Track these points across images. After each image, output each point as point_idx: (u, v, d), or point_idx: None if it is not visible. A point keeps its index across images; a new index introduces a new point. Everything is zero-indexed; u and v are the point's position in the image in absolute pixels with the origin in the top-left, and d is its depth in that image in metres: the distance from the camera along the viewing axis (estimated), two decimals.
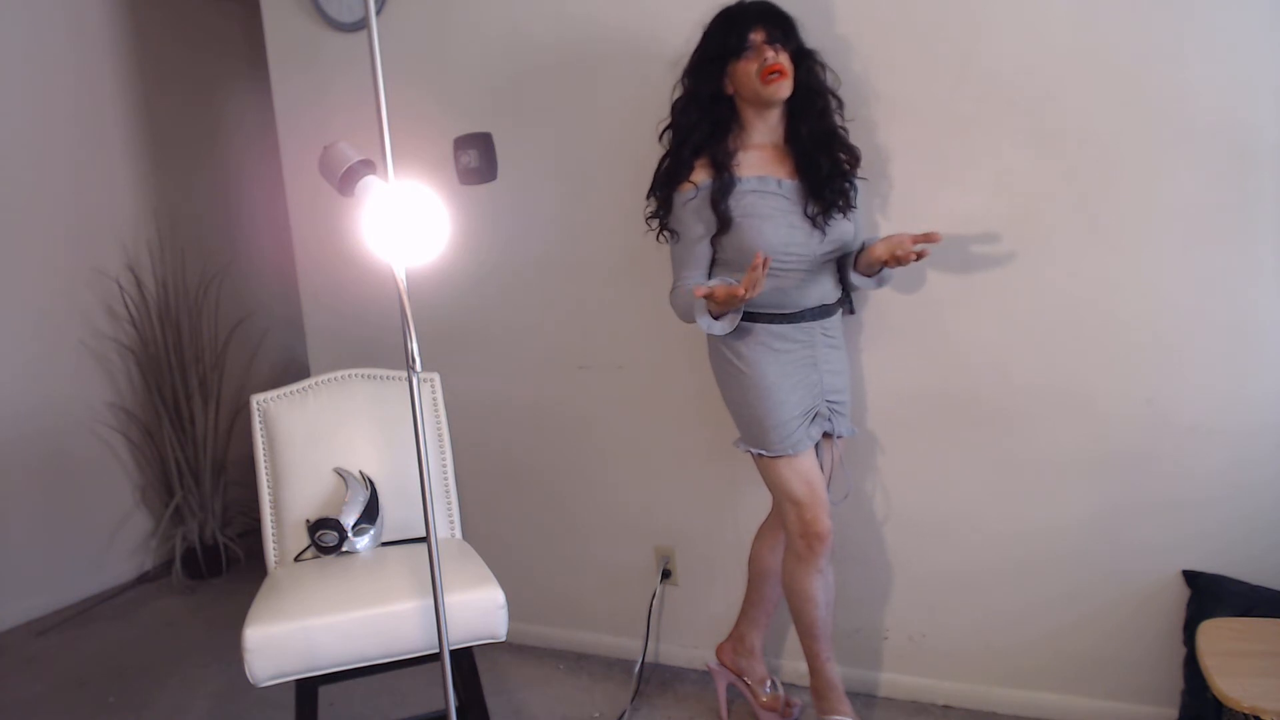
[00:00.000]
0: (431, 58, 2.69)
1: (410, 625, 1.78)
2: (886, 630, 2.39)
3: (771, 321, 2.01)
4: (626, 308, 2.54)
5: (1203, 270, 1.97)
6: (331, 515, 2.05)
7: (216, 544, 3.67)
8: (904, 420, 2.28)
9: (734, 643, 2.36)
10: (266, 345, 4.18)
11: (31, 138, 3.42)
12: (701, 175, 1.99)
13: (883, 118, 2.18)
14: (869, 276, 2.07)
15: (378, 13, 2.48)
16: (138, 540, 3.75)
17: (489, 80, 2.63)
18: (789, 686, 2.44)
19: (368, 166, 1.64)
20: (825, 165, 1.99)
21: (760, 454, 2.04)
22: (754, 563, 2.30)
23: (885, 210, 2.21)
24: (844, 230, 2.02)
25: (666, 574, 2.63)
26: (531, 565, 2.81)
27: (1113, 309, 2.05)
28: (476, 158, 2.65)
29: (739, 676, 2.35)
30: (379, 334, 2.70)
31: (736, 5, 1.99)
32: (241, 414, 3.84)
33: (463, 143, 2.67)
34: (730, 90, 1.99)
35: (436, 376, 2.24)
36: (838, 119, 2.06)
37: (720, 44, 1.96)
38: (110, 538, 3.65)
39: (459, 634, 1.79)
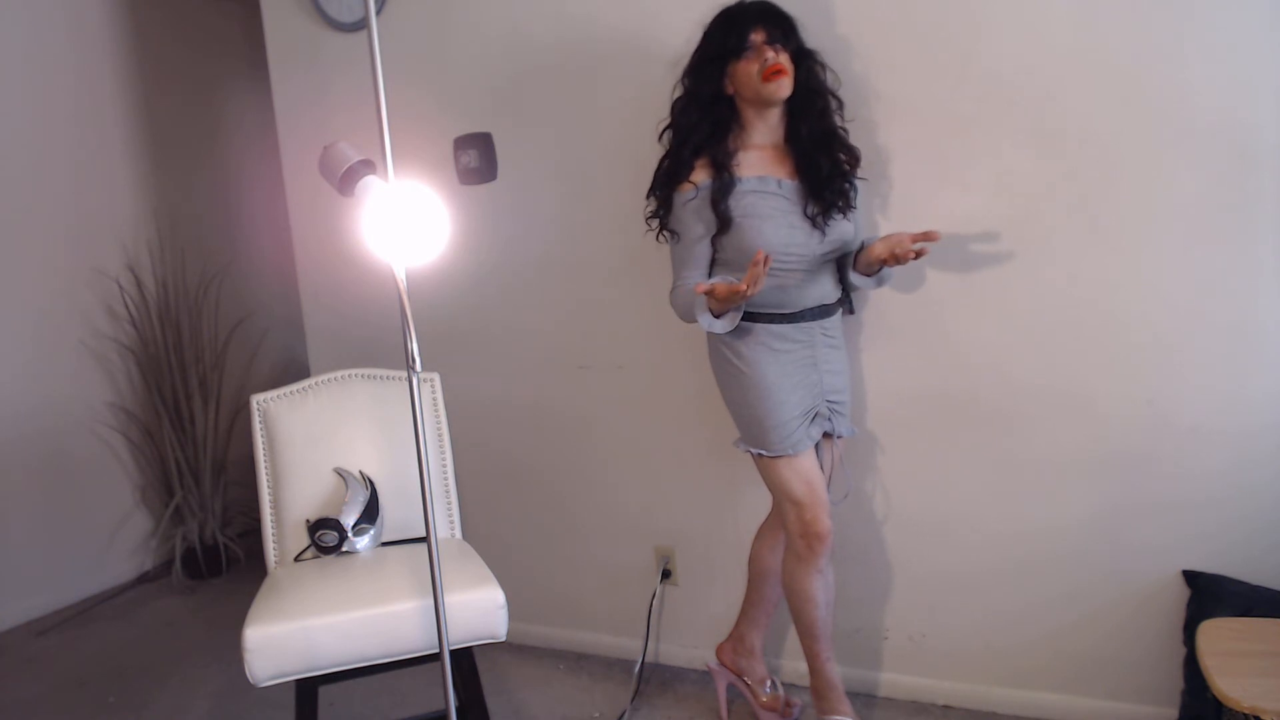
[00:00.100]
0: (431, 58, 2.69)
1: (410, 625, 1.78)
2: (886, 630, 2.39)
3: (771, 321, 2.01)
4: (627, 308, 2.54)
5: (1203, 270, 1.97)
6: (331, 515, 2.05)
7: (216, 544, 3.67)
8: (904, 420, 2.28)
9: (734, 643, 2.36)
10: (266, 345, 4.18)
11: (31, 138, 3.42)
12: (701, 175, 1.99)
13: (883, 118, 2.18)
14: (868, 276, 2.07)
15: (378, 13, 2.48)
16: (138, 540, 3.75)
17: (489, 80, 2.63)
18: (789, 686, 2.44)
19: (368, 166, 1.64)
20: (825, 166, 1.99)
21: (760, 454, 2.04)
22: (754, 563, 2.30)
23: (885, 210, 2.21)
24: (844, 230, 2.02)
25: (666, 574, 2.63)
26: (531, 565, 2.81)
27: (1113, 309, 2.05)
28: (476, 158, 2.65)
29: (739, 676, 2.35)
30: (379, 334, 2.70)
31: (737, 5, 1.99)
32: (241, 414, 3.84)
33: (463, 143, 2.67)
34: (730, 90, 1.99)
35: (436, 376, 2.24)
36: (838, 119, 2.06)
37: (720, 44, 1.96)
38: (110, 538, 3.65)
39: (459, 634, 1.79)
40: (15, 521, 3.35)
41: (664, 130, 2.08)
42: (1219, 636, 1.66)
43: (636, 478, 2.64)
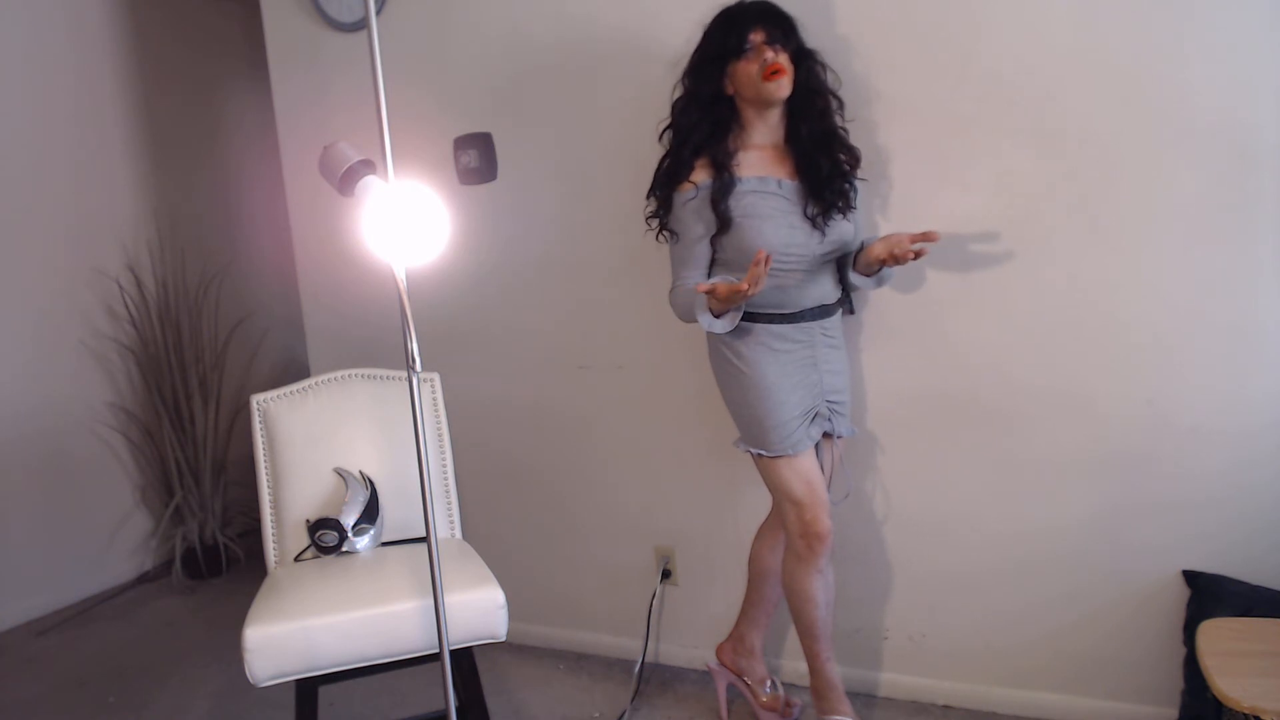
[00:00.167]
0: (431, 58, 2.69)
1: (410, 625, 1.78)
2: (886, 630, 2.39)
3: (771, 321, 2.01)
4: (626, 308, 2.54)
5: (1203, 271, 1.97)
6: (331, 515, 2.05)
7: (216, 544, 3.67)
8: (904, 420, 2.28)
9: (734, 643, 2.36)
10: (266, 345, 4.18)
11: (31, 138, 3.42)
12: (701, 175, 1.99)
13: (883, 118, 2.18)
14: (868, 276, 2.07)
15: (378, 13, 2.48)
16: (138, 540, 3.75)
17: (489, 80, 2.63)
18: (789, 686, 2.44)
19: (368, 166, 1.64)
20: (825, 166, 1.99)
21: (760, 454, 2.04)
22: (754, 563, 2.30)
23: (885, 211, 2.21)
24: (843, 231, 2.02)
25: (666, 574, 2.63)
26: (531, 565, 2.81)
27: (1113, 309, 2.05)
28: (476, 158, 2.65)
29: (739, 676, 2.35)
30: (379, 334, 2.70)
31: (737, 5, 1.99)
32: (241, 414, 3.84)
33: (463, 143, 2.67)
34: (731, 90, 1.99)
35: (436, 376, 2.24)
36: (838, 119, 2.06)
37: (720, 44, 1.96)
38: (110, 538, 3.65)
39: (459, 634, 1.79)
40: (15, 521, 3.35)
41: (664, 130, 2.08)
42: (1219, 636, 1.66)
43: (636, 478, 2.64)
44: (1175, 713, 2.04)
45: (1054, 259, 2.08)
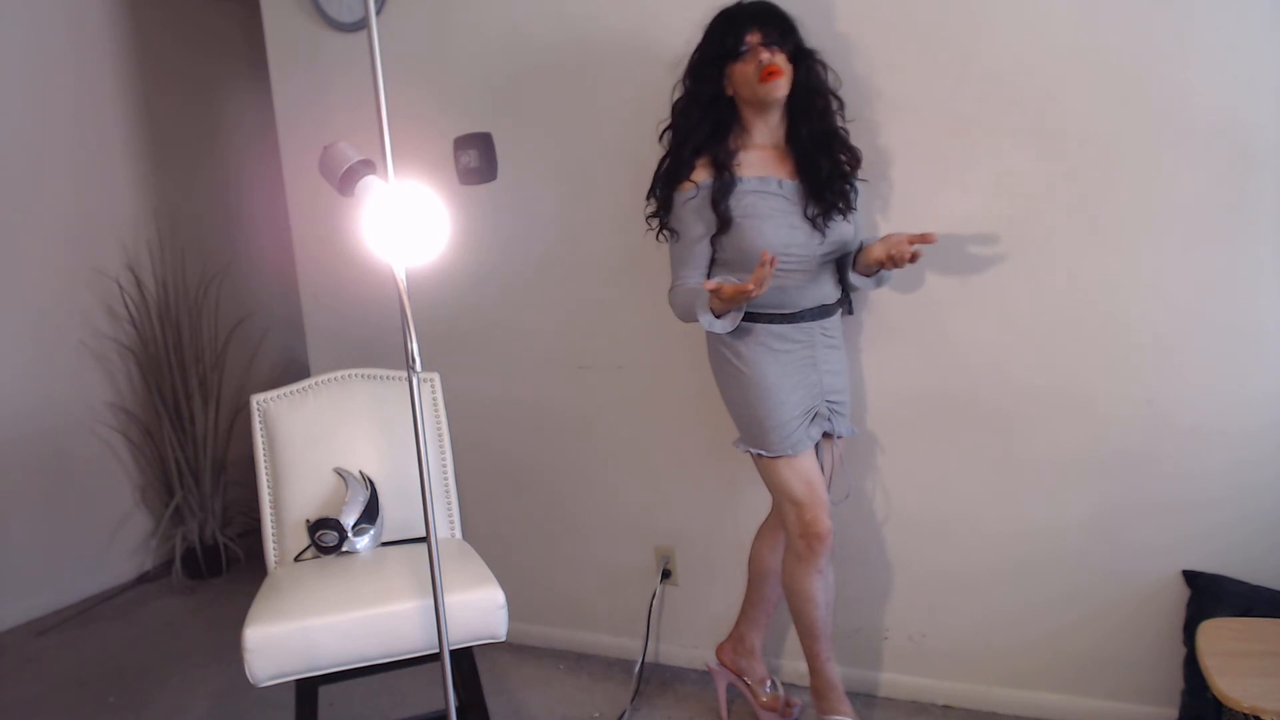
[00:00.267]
0: (431, 58, 2.69)
1: (410, 625, 1.78)
2: (886, 630, 2.39)
3: (771, 322, 2.01)
4: (627, 308, 2.54)
5: (1203, 271, 1.97)
6: (331, 515, 2.05)
7: (216, 544, 3.67)
8: (904, 420, 2.28)
9: (734, 643, 2.36)
10: (266, 345, 4.18)
11: (31, 138, 3.42)
12: (702, 174, 1.99)
13: (883, 118, 2.18)
14: (868, 277, 2.07)
15: (378, 13, 2.48)
16: (138, 540, 3.75)
17: (489, 80, 2.63)
18: (789, 686, 2.44)
19: (368, 166, 1.64)
20: (826, 167, 1.99)
21: (760, 454, 2.04)
22: (754, 563, 2.30)
23: (886, 211, 2.21)
24: (843, 231, 2.02)
25: (666, 574, 2.63)
26: (531, 565, 2.81)
27: (1113, 309, 2.05)
28: (476, 158, 2.65)
29: (739, 676, 2.35)
30: (379, 334, 2.70)
31: (734, 6, 1.99)
32: (241, 414, 3.84)
33: (463, 143, 2.67)
34: (730, 91, 1.99)
35: (436, 376, 2.24)
36: (839, 119, 2.06)
37: (718, 46, 1.96)
38: (110, 538, 3.65)
39: (459, 634, 1.79)
40: (15, 521, 3.35)
41: (664, 131, 2.08)
42: (1219, 636, 1.66)
43: (636, 478, 2.64)
44: (1175, 713, 2.04)
45: (1054, 259, 2.08)
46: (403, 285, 1.58)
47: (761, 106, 1.98)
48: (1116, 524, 2.11)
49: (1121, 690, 2.14)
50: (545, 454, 2.76)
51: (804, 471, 2.02)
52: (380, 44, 1.61)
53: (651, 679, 2.61)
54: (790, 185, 2.00)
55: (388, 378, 2.24)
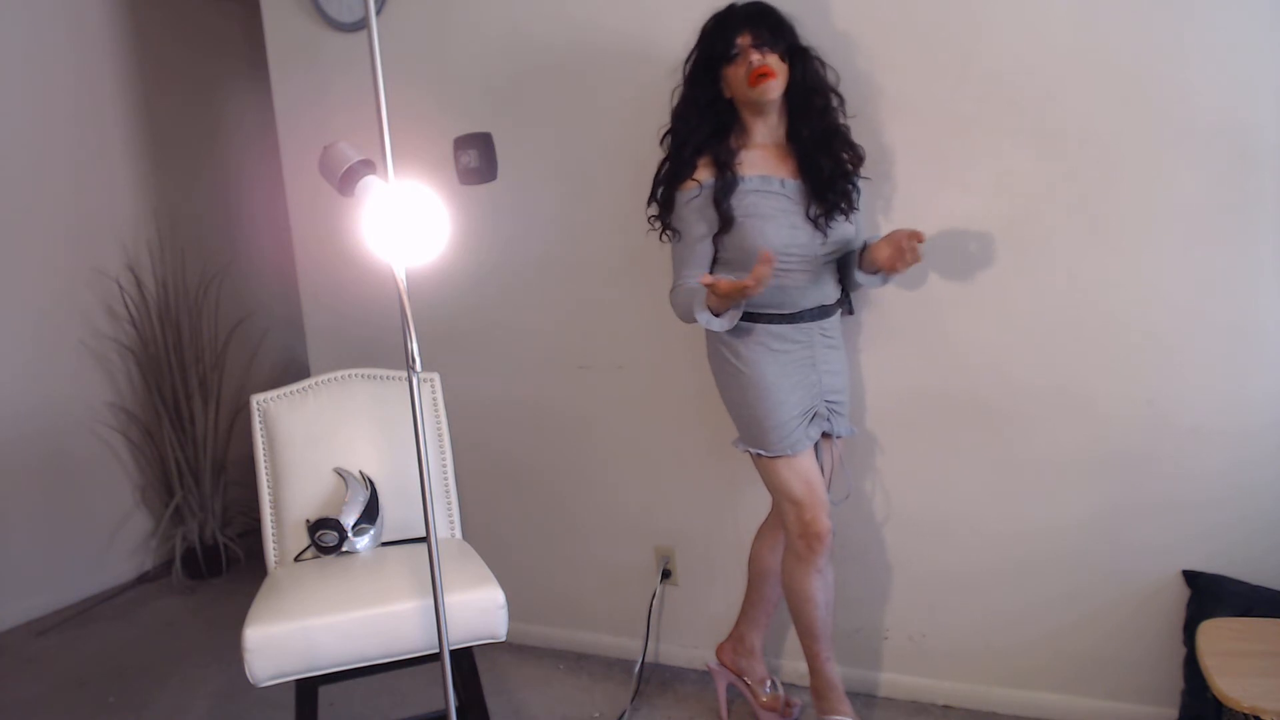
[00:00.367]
0: (431, 58, 2.69)
1: (410, 625, 1.78)
2: (886, 630, 2.39)
3: (770, 322, 2.01)
4: (627, 308, 2.54)
5: (1203, 271, 1.97)
6: (331, 515, 2.05)
7: (216, 544, 3.67)
8: (904, 420, 2.28)
9: (734, 643, 2.36)
10: (266, 345, 4.18)
11: (31, 138, 3.42)
12: (704, 174, 1.99)
13: (883, 117, 2.17)
14: (873, 275, 2.06)
15: (378, 13, 2.48)
16: (138, 540, 3.75)
17: (489, 80, 2.63)
18: (789, 686, 2.44)
19: (368, 166, 1.64)
20: (827, 167, 1.98)
21: (759, 454, 2.04)
22: (754, 563, 2.30)
23: (887, 211, 2.21)
24: (845, 231, 2.02)
25: (666, 574, 2.63)
26: (531, 565, 2.81)
27: (1113, 309, 2.05)
28: (476, 158, 2.65)
29: (739, 676, 2.35)
30: (379, 334, 2.70)
31: (726, 9, 1.99)
32: (241, 414, 3.84)
33: (463, 143, 2.67)
34: (728, 94, 1.99)
35: (436, 376, 2.24)
36: (839, 116, 2.05)
37: (710, 49, 1.97)
38: (110, 538, 3.65)
39: (459, 634, 1.79)
40: (15, 521, 3.35)
41: (665, 135, 2.07)
42: (1219, 636, 1.66)
43: (636, 478, 2.64)
44: (1175, 713, 2.04)
45: (1054, 259, 2.08)
46: (403, 285, 1.58)
47: (758, 108, 1.98)
48: (1116, 524, 2.11)
49: (1121, 690, 2.14)
50: (545, 454, 2.76)
51: (803, 471, 2.02)
52: (380, 44, 1.61)
53: (651, 679, 2.61)
54: (792, 185, 2.00)
55: (388, 378, 2.24)
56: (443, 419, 2.23)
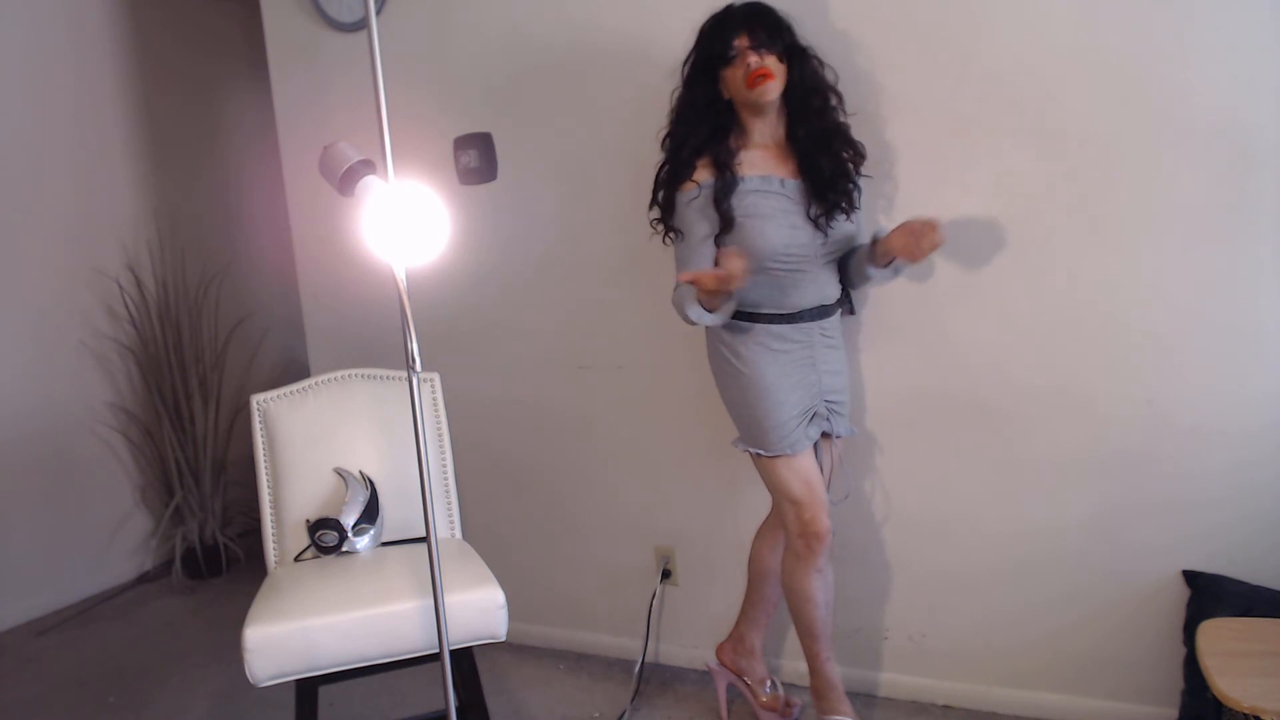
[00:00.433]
0: (431, 58, 2.69)
1: (410, 625, 1.78)
2: (886, 630, 2.39)
3: (770, 321, 2.01)
4: (627, 308, 2.54)
5: (1203, 271, 1.97)
6: (331, 515, 2.05)
7: (216, 544, 3.67)
8: (904, 420, 2.28)
9: (734, 643, 2.36)
10: (266, 345, 4.18)
11: (31, 138, 3.42)
12: (704, 174, 1.99)
13: (884, 115, 2.17)
14: (884, 268, 2.04)
15: (378, 13, 2.48)
16: (138, 540, 3.75)
17: (489, 80, 2.63)
18: (789, 686, 2.44)
19: (368, 166, 1.64)
20: (827, 166, 1.98)
21: (759, 454, 2.04)
22: (754, 563, 2.30)
23: (888, 210, 2.21)
24: (846, 230, 2.02)
25: (666, 574, 2.63)
26: (531, 565, 2.81)
27: (1113, 309, 2.05)
28: (476, 158, 2.65)
29: (739, 676, 2.35)
30: (379, 334, 2.70)
31: (724, 10, 1.99)
32: (241, 414, 3.84)
33: (463, 143, 2.67)
34: (727, 95, 1.99)
35: (436, 376, 2.24)
36: (839, 114, 2.04)
37: (708, 51, 1.97)
38: (110, 538, 3.65)
39: (459, 634, 1.79)
40: (15, 521, 3.35)
41: (665, 137, 2.07)
42: (1219, 636, 1.66)
43: (636, 478, 2.64)
44: (1175, 713, 2.04)
45: (1054, 259, 2.08)
46: (403, 285, 1.58)
47: (756, 108, 1.98)
48: (1116, 524, 2.11)
49: (1121, 690, 2.14)
50: (545, 454, 2.76)
51: (803, 471, 2.02)
52: (380, 44, 1.61)
53: (651, 679, 2.61)
54: (792, 184, 2.00)
55: (388, 378, 2.24)
56: (443, 419, 2.23)
